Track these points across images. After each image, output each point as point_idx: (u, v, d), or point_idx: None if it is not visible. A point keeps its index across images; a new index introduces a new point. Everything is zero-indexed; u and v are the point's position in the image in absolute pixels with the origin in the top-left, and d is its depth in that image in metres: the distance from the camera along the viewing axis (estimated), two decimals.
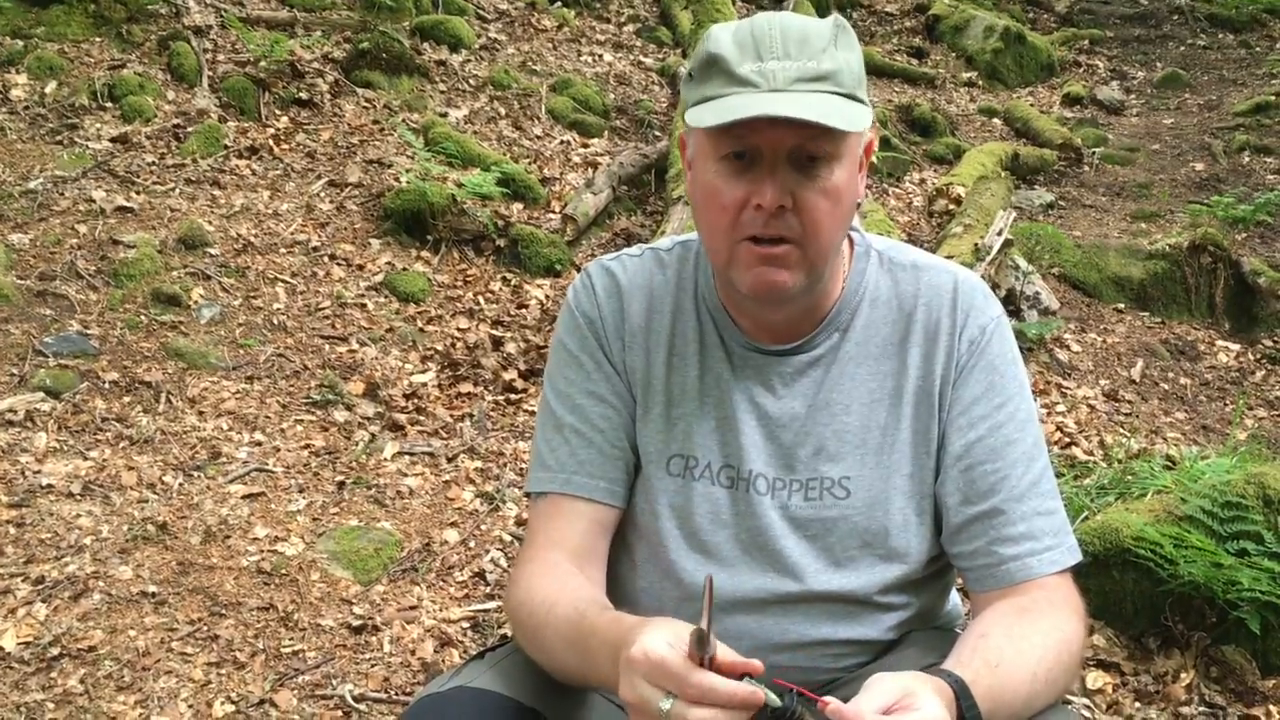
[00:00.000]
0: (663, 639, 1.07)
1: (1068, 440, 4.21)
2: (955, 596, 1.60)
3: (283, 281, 4.50)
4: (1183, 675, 3.04)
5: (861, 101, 1.28)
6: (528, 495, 1.47)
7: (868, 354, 1.42)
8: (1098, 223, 6.92)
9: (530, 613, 1.33)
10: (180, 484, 3.33)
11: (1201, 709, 2.97)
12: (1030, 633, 1.27)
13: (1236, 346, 5.64)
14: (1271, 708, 3.03)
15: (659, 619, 1.14)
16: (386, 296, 4.58)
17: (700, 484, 1.42)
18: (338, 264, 4.72)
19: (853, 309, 1.43)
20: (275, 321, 4.28)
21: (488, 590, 3.07)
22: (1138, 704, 2.95)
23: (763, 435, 1.41)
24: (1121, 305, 5.74)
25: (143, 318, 4.09)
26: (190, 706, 2.56)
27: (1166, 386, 5.23)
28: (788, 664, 1.42)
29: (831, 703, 1.04)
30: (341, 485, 3.45)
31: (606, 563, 1.45)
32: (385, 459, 3.61)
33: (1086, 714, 2.84)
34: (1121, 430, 4.50)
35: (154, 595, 2.87)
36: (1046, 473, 1.39)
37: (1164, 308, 5.78)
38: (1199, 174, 7.78)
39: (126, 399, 3.68)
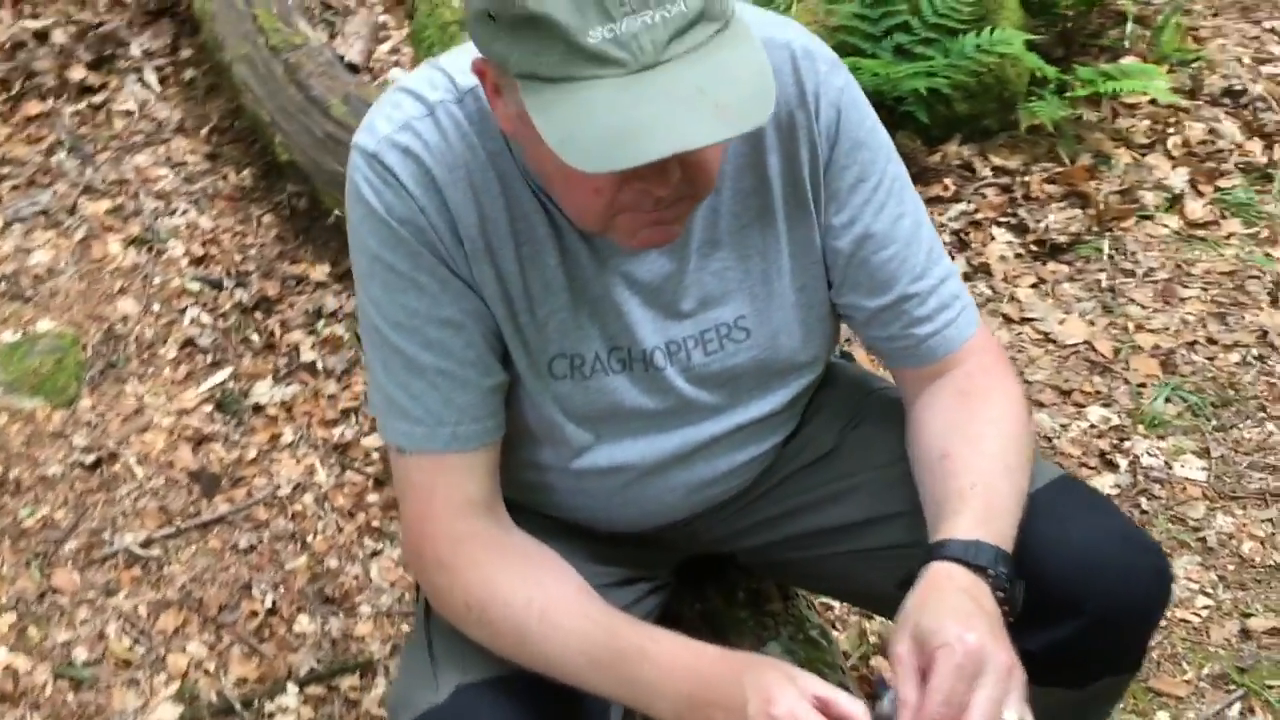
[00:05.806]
0: (797, 696, 1.00)
1: None
2: None
3: None
4: None
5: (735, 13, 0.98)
6: (396, 448, 1.26)
7: (722, 175, 1.22)
8: None
9: (504, 618, 1.18)
10: None
11: None
12: (985, 429, 1.26)
13: None
14: (946, 180, 3.35)
15: (760, 659, 1.07)
16: None
17: (594, 380, 1.27)
18: None
19: None
20: None
21: (208, 359, 2.76)
22: None
23: (642, 304, 1.25)
24: None
25: None
26: None
27: None
28: (719, 490, 1.40)
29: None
30: None
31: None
32: None
33: None
34: None
35: None
36: (932, 230, 1.32)
37: None
38: None
39: None
